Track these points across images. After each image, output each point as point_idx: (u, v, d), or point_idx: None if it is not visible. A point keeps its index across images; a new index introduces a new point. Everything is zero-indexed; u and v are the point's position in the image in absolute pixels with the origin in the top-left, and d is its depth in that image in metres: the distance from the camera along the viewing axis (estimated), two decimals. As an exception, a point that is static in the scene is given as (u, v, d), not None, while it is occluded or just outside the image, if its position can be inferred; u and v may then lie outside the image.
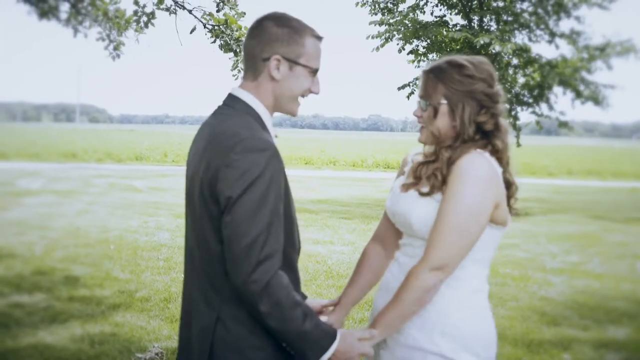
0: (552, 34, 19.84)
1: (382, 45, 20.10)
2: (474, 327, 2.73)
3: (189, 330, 2.69)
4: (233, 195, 2.37)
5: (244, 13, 8.48)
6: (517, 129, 20.34)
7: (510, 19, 19.68)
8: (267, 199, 2.39)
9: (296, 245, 2.64)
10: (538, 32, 20.05)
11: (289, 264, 2.57)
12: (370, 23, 20.19)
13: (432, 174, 2.75)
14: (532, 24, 19.49)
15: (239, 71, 8.56)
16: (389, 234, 3.06)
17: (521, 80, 20.32)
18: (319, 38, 2.67)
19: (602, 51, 19.72)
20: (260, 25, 2.61)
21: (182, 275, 9.29)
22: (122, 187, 23.09)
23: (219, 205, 2.43)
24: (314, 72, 2.65)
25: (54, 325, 7.11)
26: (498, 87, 2.80)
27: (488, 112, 2.76)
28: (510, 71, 19.78)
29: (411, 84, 20.88)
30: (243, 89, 2.64)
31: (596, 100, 20.17)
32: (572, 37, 19.86)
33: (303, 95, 2.67)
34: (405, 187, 2.89)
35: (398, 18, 19.90)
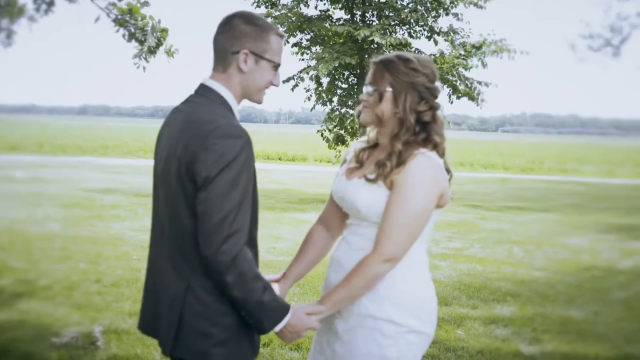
0: (432, 31, 20.54)
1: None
2: (418, 295, 3.08)
3: (155, 299, 2.93)
4: (210, 175, 2.63)
5: (147, 2, 8.56)
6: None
7: (391, 14, 20.27)
8: (239, 180, 2.67)
9: (257, 224, 2.92)
10: (418, 28, 20.70)
11: (251, 241, 2.83)
12: (257, 16, 20.40)
13: (382, 163, 3.06)
14: (412, 20, 20.11)
15: (140, 59, 8.61)
16: (334, 216, 3.38)
17: (402, 74, 20.93)
18: (282, 36, 2.97)
19: (478, 49, 20.56)
20: (230, 22, 2.89)
21: (80, 265, 9.38)
22: (2, 178, 22.47)
23: (195, 184, 2.68)
24: (277, 66, 2.95)
25: (-40, 314, 7.10)
26: (438, 84, 3.15)
27: (427, 103, 3.08)
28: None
29: (295, 77, 21.23)
30: (214, 79, 2.90)
31: (471, 96, 20.93)
32: (450, 34, 20.62)
33: (265, 87, 2.96)
34: (349, 172, 3.22)
35: (283, 11, 20.22)
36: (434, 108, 3.10)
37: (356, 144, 3.37)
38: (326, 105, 21.33)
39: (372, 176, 3.06)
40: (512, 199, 22.58)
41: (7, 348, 6.12)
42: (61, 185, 20.77)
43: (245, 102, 3.01)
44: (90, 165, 30.72)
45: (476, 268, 10.50)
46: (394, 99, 3.07)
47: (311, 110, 21.83)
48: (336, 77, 21.06)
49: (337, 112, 21.09)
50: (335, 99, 21.09)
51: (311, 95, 21.57)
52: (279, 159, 42.38)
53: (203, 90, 2.90)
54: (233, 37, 2.86)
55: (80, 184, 21.52)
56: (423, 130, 3.09)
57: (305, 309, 2.98)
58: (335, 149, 21.79)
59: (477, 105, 20.90)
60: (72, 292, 8.19)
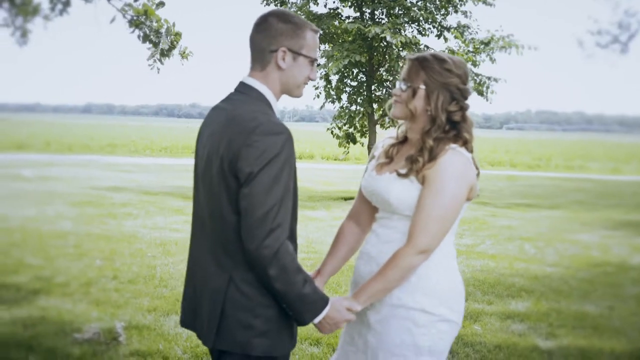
0: (441, 28, 20.58)
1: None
2: (448, 285, 3.19)
3: (195, 291, 3.00)
4: (253, 171, 2.72)
5: (163, 3, 8.62)
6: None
7: (400, 12, 20.31)
8: (281, 176, 2.75)
9: (296, 219, 2.98)
10: (427, 25, 20.74)
11: (292, 235, 2.91)
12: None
13: (415, 158, 3.15)
14: (421, 18, 20.14)
15: (155, 61, 8.68)
16: (364, 211, 3.47)
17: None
18: (316, 32, 3.05)
19: (487, 45, 20.59)
20: (266, 21, 2.97)
21: (96, 262, 9.45)
22: (10, 176, 22.57)
23: (238, 180, 2.76)
24: (313, 61, 3.03)
25: (-20, 311, 7.17)
26: (470, 86, 3.27)
27: (458, 104, 3.19)
28: (401, 63, 20.40)
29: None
30: (253, 77, 2.98)
31: (480, 92, 21.01)
32: (459, 31, 20.65)
33: (304, 82, 3.04)
34: (380, 167, 3.32)
35: (293, 9, 20.27)
36: (464, 108, 3.22)
37: (384, 140, 3.47)
38: (335, 103, 21.36)
39: (403, 171, 3.17)
40: (520, 196, 22.65)
41: (30, 344, 6.19)
42: (70, 183, 20.87)
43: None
44: (98, 163, 30.83)
45: (489, 264, 10.55)
46: (427, 97, 3.18)
47: (320, 108, 21.87)
48: (345, 74, 21.09)
49: (347, 110, 21.13)
50: (344, 96, 21.12)
51: (320, 93, 21.63)
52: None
53: (243, 88, 2.98)
54: (270, 35, 2.94)
55: (89, 182, 21.63)
56: (453, 128, 3.20)
57: (344, 303, 3.05)
58: (345, 146, 21.86)
59: (487, 100, 20.94)
60: (89, 288, 8.27)
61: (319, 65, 20.38)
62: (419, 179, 3.12)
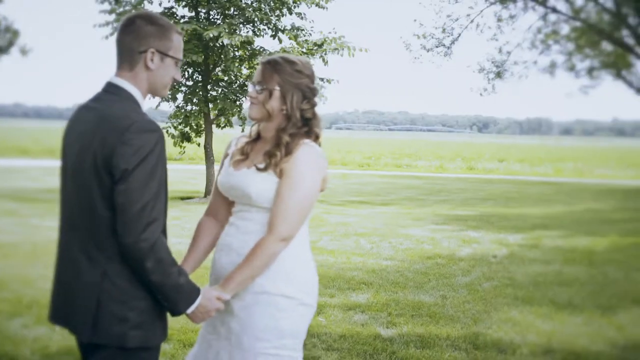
0: (276, 29, 20.82)
1: (112, 34, 20.05)
2: (305, 272, 3.46)
3: (67, 287, 3.03)
4: (128, 168, 2.80)
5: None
6: (242, 118, 21.15)
7: (235, 13, 20.39)
8: (156, 171, 2.86)
9: (166, 214, 3.08)
10: (262, 26, 20.92)
11: (164, 229, 3.01)
12: (100, 12, 20.13)
13: (272, 153, 3.36)
14: (256, 19, 20.31)
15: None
16: (220, 206, 3.64)
17: (245, 71, 21.10)
18: (181, 34, 3.17)
19: (320, 47, 21.02)
20: (133, 23, 3.05)
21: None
22: None
23: (112, 177, 2.83)
24: (178, 62, 3.14)
25: None
26: (316, 84, 3.53)
27: (309, 102, 3.46)
28: (236, 63, 20.51)
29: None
30: (121, 78, 3.05)
31: (313, 93, 21.37)
32: (294, 32, 20.96)
33: (170, 83, 3.15)
34: (236, 164, 3.50)
35: (127, 7, 19.95)
36: (314, 106, 3.48)
37: (237, 138, 3.67)
38: (170, 103, 21.15)
39: (262, 165, 3.37)
40: (353, 194, 23.34)
41: None
42: None
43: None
44: None
45: (328, 259, 10.90)
46: (282, 97, 3.40)
47: (156, 107, 21.67)
48: (181, 74, 20.91)
49: (183, 110, 21.00)
50: (179, 96, 20.97)
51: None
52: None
53: (112, 88, 3.04)
54: (139, 37, 3.03)
55: None
56: (305, 125, 3.44)
57: (214, 292, 3.18)
58: (181, 146, 21.69)
59: (321, 101, 21.33)
60: None
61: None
62: (277, 173, 3.32)
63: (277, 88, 3.38)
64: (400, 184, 29.05)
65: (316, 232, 13.90)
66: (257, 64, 3.92)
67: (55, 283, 3.13)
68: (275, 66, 3.41)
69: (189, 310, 3.04)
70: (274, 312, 3.32)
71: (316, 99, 3.48)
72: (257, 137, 3.54)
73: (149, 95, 3.11)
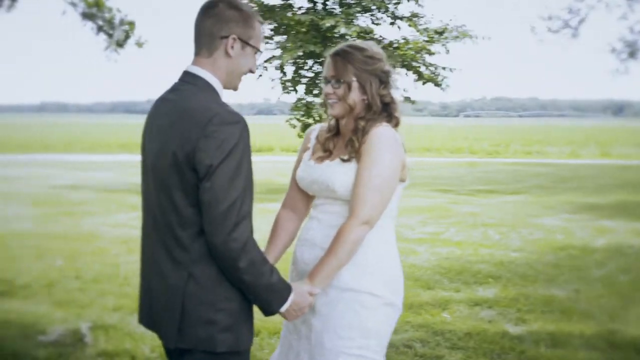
0: (394, 17, 20.53)
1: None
2: (392, 271, 3.29)
3: (151, 290, 2.91)
4: (213, 163, 2.62)
5: (112, -7, 8.46)
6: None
7: (353, 1, 20.22)
8: (242, 166, 2.67)
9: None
10: (379, 14, 20.68)
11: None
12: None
13: (351, 139, 3.21)
14: (373, 7, 20.07)
15: (111, 52, 8.54)
16: (299, 199, 3.50)
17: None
18: (262, 23, 2.97)
19: (441, 34, 20.59)
20: (216, 6, 2.85)
21: (57, 262, 9.27)
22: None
23: (196, 173, 2.66)
24: (257, 53, 2.95)
25: (-60, 316, 6.97)
26: (389, 66, 3.32)
27: (386, 87, 3.28)
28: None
29: (260, 67, 21.11)
30: (199, 66, 2.87)
31: (436, 81, 21.06)
32: (413, 19, 20.63)
33: (245, 74, 2.96)
34: (320, 159, 3.34)
35: (245, 0, 20.06)
36: (391, 89, 3.31)
37: (315, 131, 3.51)
38: (290, 94, 21.21)
39: (346, 156, 3.22)
40: (481, 182, 22.76)
41: (-8, 348, 6.03)
42: (28, 183, 20.56)
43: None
44: (55, 162, 30.38)
45: (454, 251, 10.55)
46: (361, 88, 3.25)
47: (278, 99, 21.80)
48: (300, 66, 20.98)
49: (304, 101, 21.01)
50: (300, 88, 20.99)
51: (275, 86, 21.49)
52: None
53: (189, 77, 2.88)
54: (220, 21, 2.84)
55: (47, 181, 21.31)
56: (384, 110, 3.29)
57: (303, 286, 3.03)
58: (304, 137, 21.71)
59: (442, 89, 20.99)
60: (52, 289, 8.09)
61: (274, 57, 20.29)
62: (358, 161, 3.18)
63: (354, 79, 3.23)
64: (529, 171, 28.11)
65: (442, 222, 13.58)
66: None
67: (141, 285, 3.02)
68: (347, 56, 3.25)
69: (283, 309, 2.88)
70: (359, 310, 3.18)
71: (392, 82, 3.31)
72: (337, 132, 3.38)
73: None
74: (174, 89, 2.91)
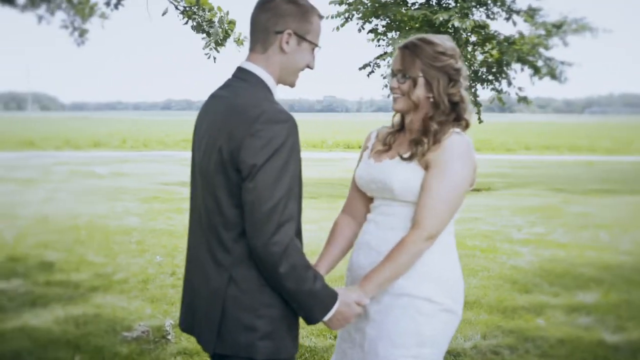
0: (510, 11, 20.03)
1: (342, 25, 20.24)
2: (451, 276, 3.12)
3: (194, 292, 2.83)
4: (257, 163, 2.51)
5: (214, -8, 8.48)
6: (477, 105, 20.51)
7: (468, -4, 19.84)
8: (288, 166, 2.56)
9: (301, 212, 2.78)
10: (495, 9, 20.22)
11: (298, 230, 2.72)
12: (330, 3, 20.30)
13: (420, 140, 3.04)
14: (489, 1, 19.64)
15: (211, 49, 8.58)
16: (358, 203, 3.35)
17: (480, 57, 20.51)
18: (322, 18, 2.85)
19: (559, 28, 19.96)
20: (272, 0, 2.75)
21: (156, 258, 9.41)
22: (84, 173, 23.00)
23: (240, 173, 2.56)
24: (315, 49, 2.83)
25: (36, 309, 7.15)
26: (462, 63, 3.14)
27: (456, 85, 3.09)
28: (469, 48, 19.97)
29: (372, 63, 21.01)
30: (252, 62, 2.78)
31: (553, 75, 20.46)
32: (529, 13, 20.07)
33: (302, 70, 2.84)
34: (377, 155, 3.21)
35: (358, -3, 20.00)
36: (461, 88, 3.12)
37: (378, 130, 3.39)
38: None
39: (407, 155, 3.07)
40: (598, 182, 21.94)
41: (78, 343, 6.13)
42: (142, 179, 21.14)
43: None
44: (172, 159, 31.19)
45: (557, 254, 10.16)
46: (427, 84, 3.09)
47: (388, 96, 21.59)
48: (412, 62, 20.70)
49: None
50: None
51: (387, 83, 21.30)
52: (360, 147, 42.29)
53: (241, 73, 2.79)
54: (276, 15, 2.74)
55: (160, 177, 21.85)
56: (453, 111, 3.11)
57: (353, 297, 2.88)
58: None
59: (561, 82, 20.36)
60: (147, 285, 8.22)
61: (386, 53, 20.11)
62: (422, 164, 3.03)
63: (421, 75, 3.06)
64: (652, 170, 26.96)
65: (550, 223, 13.13)
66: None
67: (184, 287, 2.95)
68: (415, 50, 3.07)
69: (326, 318, 2.74)
70: (415, 316, 3.02)
71: (463, 80, 3.12)
72: (401, 128, 3.22)
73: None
74: (225, 86, 2.84)
